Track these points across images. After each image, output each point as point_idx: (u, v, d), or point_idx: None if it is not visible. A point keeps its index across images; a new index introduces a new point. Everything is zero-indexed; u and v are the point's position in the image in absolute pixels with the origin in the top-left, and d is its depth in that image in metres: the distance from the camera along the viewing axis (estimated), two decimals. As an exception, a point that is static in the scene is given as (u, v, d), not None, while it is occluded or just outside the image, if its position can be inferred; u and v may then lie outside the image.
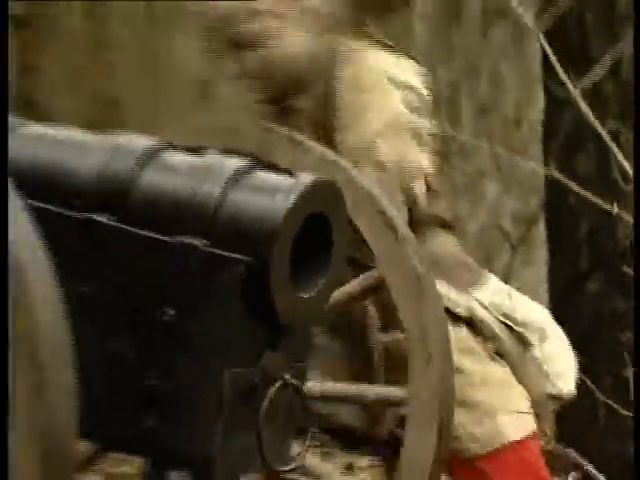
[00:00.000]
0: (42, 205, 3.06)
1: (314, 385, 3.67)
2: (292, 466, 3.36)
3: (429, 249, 4.15)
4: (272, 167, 3.27)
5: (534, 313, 4.16)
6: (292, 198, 3.02)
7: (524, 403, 4.03)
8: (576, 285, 4.30)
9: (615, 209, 4.55)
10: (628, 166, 4.47)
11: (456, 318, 4.00)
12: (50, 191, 3.19)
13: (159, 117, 6.22)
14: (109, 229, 3.10)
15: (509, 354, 4.01)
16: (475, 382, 3.95)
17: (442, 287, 3.98)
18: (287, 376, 3.16)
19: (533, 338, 4.02)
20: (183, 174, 3.17)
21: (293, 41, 4.11)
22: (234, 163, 3.17)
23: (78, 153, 3.29)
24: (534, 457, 4.04)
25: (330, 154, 3.80)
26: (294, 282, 3.09)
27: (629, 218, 4.65)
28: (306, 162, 3.66)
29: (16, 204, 2.17)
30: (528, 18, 5.26)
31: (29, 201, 2.77)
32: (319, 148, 3.78)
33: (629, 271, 5.05)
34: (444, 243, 4.30)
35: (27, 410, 2.11)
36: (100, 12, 6.58)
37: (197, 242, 3.01)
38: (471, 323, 4.03)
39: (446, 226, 4.33)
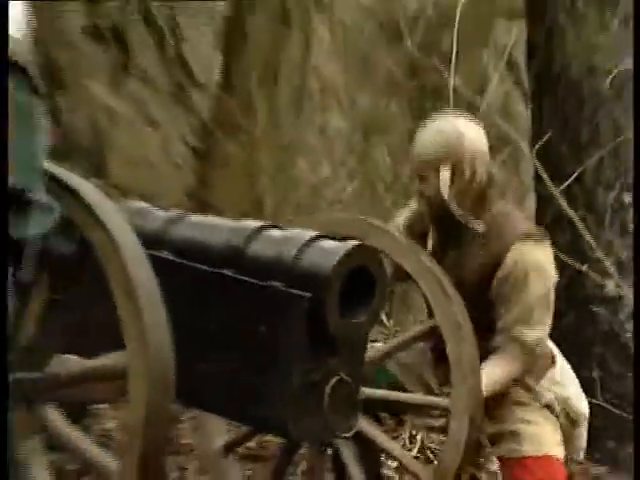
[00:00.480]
0: (190, 263, 3.29)
1: (375, 392, 3.67)
2: (350, 434, 3.34)
3: None
4: (333, 238, 3.32)
5: (582, 401, 3.92)
6: (338, 256, 3.09)
7: (561, 439, 3.82)
8: (555, 319, 4.31)
9: (584, 268, 4.59)
10: (592, 241, 4.52)
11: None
12: (197, 254, 3.32)
13: (288, 212, 6.46)
14: (230, 278, 3.22)
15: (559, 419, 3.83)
16: (533, 410, 3.77)
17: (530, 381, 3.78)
18: (341, 374, 3.21)
19: (580, 422, 3.87)
20: (276, 242, 3.26)
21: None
22: (307, 235, 3.26)
23: (216, 231, 3.43)
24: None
25: (409, 242, 3.74)
26: (348, 310, 3.14)
27: (595, 275, 4.70)
28: (391, 245, 3.65)
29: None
30: (524, 146, 5.40)
31: (177, 259, 3.30)
32: (401, 237, 3.76)
33: (595, 309, 5.14)
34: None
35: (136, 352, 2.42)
36: (251, 144, 6.82)
37: (279, 284, 3.12)
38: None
39: None
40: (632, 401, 4.27)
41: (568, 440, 3.82)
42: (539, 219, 5.39)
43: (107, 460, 2.58)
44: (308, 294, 3.07)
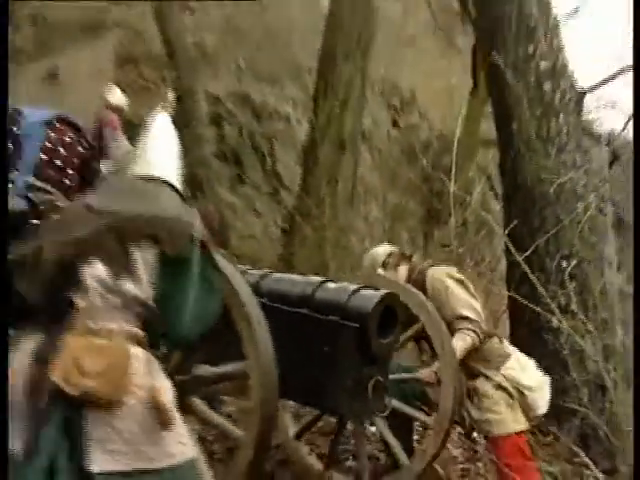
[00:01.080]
0: (278, 305, 3.33)
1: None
2: (385, 414, 3.40)
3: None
4: (372, 287, 3.37)
5: (531, 377, 3.81)
6: (375, 300, 3.19)
7: (520, 416, 3.76)
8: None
9: (538, 309, 4.53)
10: (543, 291, 4.53)
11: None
12: (283, 300, 3.35)
13: (345, 272, 6.48)
14: (306, 315, 3.27)
15: (514, 397, 3.72)
16: (496, 402, 3.71)
17: (488, 372, 3.78)
18: (378, 377, 3.28)
19: (528, 392, 3.74)
20: (333, 291, 3.33)
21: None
22: (353, 286, 3.33)
23: (295, 284, 3.49)
24: (524, 445, 3.78)
25: (411, 288, 3.74)
26: (379, 334, 3.20)
27: (544, 313, 4.62)
28: (404, 292, 3.64)
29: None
30: (498, 228, 5.45)
31: (270, 303, 3.26)
32: (409, 287, 3.76)
33: (545, 336, 4.85)
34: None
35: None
36: (320, 227, 6.95)
37: (336, 318, 3.18)
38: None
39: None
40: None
41: (526, 406, 3.77)
42: (509, 278, 5.37)
43: (235, 430, 2.76)
44: (356, 325, 3.15)
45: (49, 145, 3.05)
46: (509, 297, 5.21)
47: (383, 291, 3.29)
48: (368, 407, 3.28)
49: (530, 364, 3.92)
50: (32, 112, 3.24)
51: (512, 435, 3.72)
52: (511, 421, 3.72)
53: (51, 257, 1.96)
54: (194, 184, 7.54)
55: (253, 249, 7.86)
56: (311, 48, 10.93)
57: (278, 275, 3.62)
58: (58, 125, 3.14)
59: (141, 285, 2.02)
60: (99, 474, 1.84)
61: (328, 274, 6.31)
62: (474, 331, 3.71)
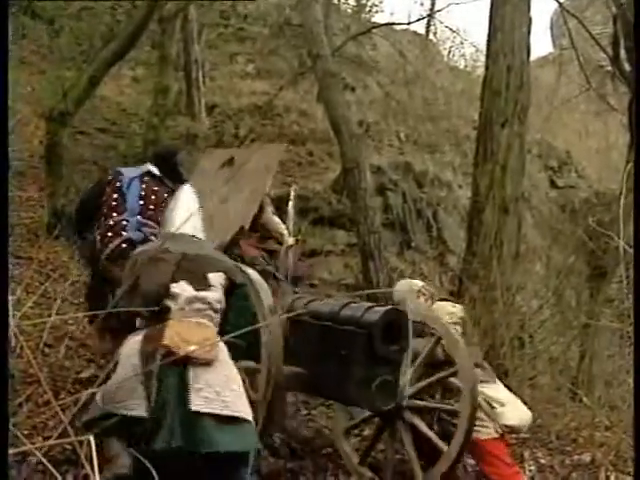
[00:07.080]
0: (314, 321, 4.00)
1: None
2: (388, 408, 3.94)
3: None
4: (382, 305, 4.04)
5: (501, 395, 4.27)
6: (380, 314, 3.80)
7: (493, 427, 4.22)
8: None
9: None
10: None
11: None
12: (317, 316, 4.04)
13: (512, 328, 6.58)
14: (331, 327, 3.92)
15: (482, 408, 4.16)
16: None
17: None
18: (385, 376, 3.82)
19: (496, 404, 4.18)
20: (353, 309, 3.95)
21: None
22: (367, 305, 4.00)
23: (328, 305, 4.12)
24: (502, 452, 4.23)
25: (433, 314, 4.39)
26: (387, 342, 3.79)
27: None
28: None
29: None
30: None
31: (309, 319, 4.03)
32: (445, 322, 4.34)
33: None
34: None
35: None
36: (487, 286, 7.12)
37: (352, 328, 3.82)
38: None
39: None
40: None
41: (494, 416, 4.19)
42: None
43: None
44: (366, 332, 3.80)
45: (144, 194, 4.24)
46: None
47: (389, 307, 4.00)
48: (374, 401, 3.86)
49: (502, 388, 4.42)
50: (128, 170, 4.18)
51: (487, 441, 4.20)
52: (485, 428, 4.21)
53: (158, 281, 2.98)
54: (365, 252, 7.93)
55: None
56: (467, 116, 11.30)
57: (322, 300, 4.37)
58: (147, 179, 4.10)
59: (215, 295, 3.04)
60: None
61: (496, 333, 6.43)
62: None
